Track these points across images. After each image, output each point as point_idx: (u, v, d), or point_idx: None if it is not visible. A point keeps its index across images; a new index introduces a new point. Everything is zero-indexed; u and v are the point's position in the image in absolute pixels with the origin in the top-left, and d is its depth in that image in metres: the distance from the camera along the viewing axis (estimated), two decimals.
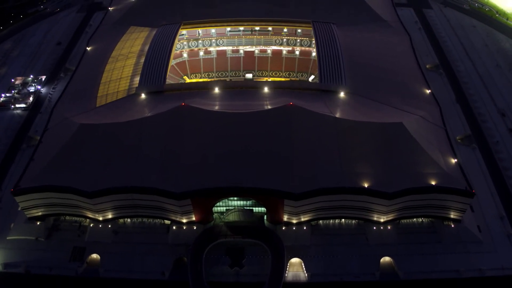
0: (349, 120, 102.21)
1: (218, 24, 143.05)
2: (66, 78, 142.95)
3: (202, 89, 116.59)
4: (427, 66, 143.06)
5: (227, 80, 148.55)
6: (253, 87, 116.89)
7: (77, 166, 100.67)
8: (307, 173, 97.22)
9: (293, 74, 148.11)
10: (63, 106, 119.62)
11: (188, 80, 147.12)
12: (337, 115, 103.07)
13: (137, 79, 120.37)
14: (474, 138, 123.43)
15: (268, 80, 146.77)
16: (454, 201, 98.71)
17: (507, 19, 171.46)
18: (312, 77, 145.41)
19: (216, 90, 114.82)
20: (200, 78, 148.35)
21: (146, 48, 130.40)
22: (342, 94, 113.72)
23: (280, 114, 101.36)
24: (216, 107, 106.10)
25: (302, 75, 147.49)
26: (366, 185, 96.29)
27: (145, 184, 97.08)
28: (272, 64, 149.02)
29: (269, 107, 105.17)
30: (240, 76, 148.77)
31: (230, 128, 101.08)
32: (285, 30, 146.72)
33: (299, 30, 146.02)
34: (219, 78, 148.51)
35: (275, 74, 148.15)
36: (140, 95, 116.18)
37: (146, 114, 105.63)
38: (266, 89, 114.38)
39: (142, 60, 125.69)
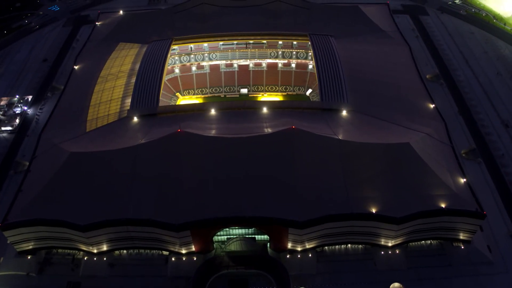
0: (353, 142, 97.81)
1: (211, 39, 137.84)
2: (53, 98, 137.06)
3: (198, 110, 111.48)
4: (427, 76, 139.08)
5: (222, 96, 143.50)
6: (250, 107, 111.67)
7: (68, 198, 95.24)
8: (312, 199, 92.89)
9: (289, 88, 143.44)
10: (51, 131, 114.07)
11: (181, 97, 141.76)
12: (341, 137, 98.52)
13: (128, 101, 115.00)
14: (479, 152, 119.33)
15: (264, 95, 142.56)
16: (464, 222, 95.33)
17: (505, 24, 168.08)
18: (310, 90, 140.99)
19: (213, 111, 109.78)
20: (194, 94, 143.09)
21: (137, 66, 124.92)
22: (344, 113, 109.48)
23: (281, 138, 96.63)
24: (214, 131, 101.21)
25: (299, 89, 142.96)
26: (373, 211, 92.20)
27: (141, 215, 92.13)
28: (267, 78, 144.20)
29: (269, 129, 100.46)
30: (235, 91, 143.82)
31: (230, 154, 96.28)
32: (280, 42, 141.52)
33: (295, 42, 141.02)
34: (213, 94, 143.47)
35: (271, 88, 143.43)
36: (132, 118, 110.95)
37: (139, 140, 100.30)
38: (265, 109, 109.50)
39: (133, 80, 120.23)
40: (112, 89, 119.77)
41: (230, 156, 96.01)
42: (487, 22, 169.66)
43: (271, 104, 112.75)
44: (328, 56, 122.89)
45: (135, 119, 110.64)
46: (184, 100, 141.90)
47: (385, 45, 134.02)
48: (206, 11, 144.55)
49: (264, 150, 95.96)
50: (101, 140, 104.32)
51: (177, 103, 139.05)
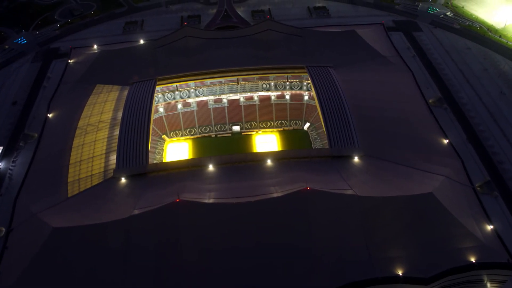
0: (373, 197, 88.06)
1: (199, 76, 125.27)
2: (27, 148, 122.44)
3: (193, 167, 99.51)
4: (430, 101, 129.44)
5: (212, 136, 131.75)
6: (253, 160, 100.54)
7: (54, 282, 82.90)
8: (331, 266, 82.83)
9: (285, 123, 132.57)
10: (27, 196, 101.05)
11: (167, 140, 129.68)
12: (359, 192, 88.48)
13: (113, 158, 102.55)
14: (494, 184, 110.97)
15: (259, 132, 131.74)
16: (494, 274, 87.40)
17: (500, 37, 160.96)
18: (307, 124, 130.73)
19: (210, 167, 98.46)
20: (181, 135, 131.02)
21: (119, 115, 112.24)
22: (356, 159, 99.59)
23: (295, 201, 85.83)
24: (215, 194, 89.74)
25: (296, 123, 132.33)
26: (400, 273, 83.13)
27: None
28: (261, 113, 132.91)
29: (278, 187, 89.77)
30: (226, 130, 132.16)
31: (237, 222, 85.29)
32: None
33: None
34: (203, 134, 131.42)
35: (266, 124, 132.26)
36: (119, 179, 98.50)
37: (132, 209, 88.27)
38: (269, 162, 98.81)
39: (116, 132, 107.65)
40: (93, 144, 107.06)
41: (237, 225, 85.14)
42: (482, 35, 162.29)
43: (276, 155, 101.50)
44: (331, 93, 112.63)
45: (123, 180, 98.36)
46: (172, 143, 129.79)
47: (388, 73, 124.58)
48: (190, 45, 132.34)
49: (276, 215, 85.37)
50: (87, 209, 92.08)
51: (164, 147, 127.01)
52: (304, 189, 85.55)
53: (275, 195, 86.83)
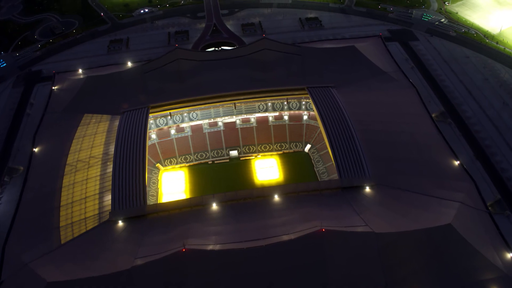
0: (390, 233, 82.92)
1: (194, 103, 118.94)
2: (12, 184, 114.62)
3: (195, 206, 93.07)
4: (433, 115, 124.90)
5: (209, 162, 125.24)
6: (259, 196, 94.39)
7: None
8: None
9: (285, 146, 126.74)
10: (17, 243, 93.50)
11: (162, 169, 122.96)
12: (374, 228, 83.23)
13: (107, 198, 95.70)
14: (505, 202, 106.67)
15: (258, 156, 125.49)
16: None
17: (497, 43, 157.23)
18: (308, 146, 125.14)
19: (214, 206, 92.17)
20: (177, 163, 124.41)
21: (111, 149, 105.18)
22: (367, 189, 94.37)
23: (310, 244, 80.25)
24: (222, 237, 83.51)
25: (296, 145, 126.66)
26: None
27: None
28: (259, 136, 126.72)
29: (289, 227, 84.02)
30: (223, 155, 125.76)
31: (249, 269, 79.59)
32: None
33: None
34: (199, 161, 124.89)
35: (264, 148, 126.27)
36: (116, 222, 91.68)
37: (133, 259, 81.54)
38: (276, 197, 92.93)
39: (110, 168, 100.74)
40: (85, 183, 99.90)
41: (249, 272, 79.40)
42: (479, 43, 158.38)
43: (283, 189, 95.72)
44: (337, 118, 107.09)
45: (120, 223, 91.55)
46: (167, 171, 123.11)
47: (391, 91, 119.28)
48: (183, 68, 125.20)
49: (290, 260, 79.81)
50: (83, 258, 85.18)
51: (159, 177, 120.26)
52: (319, 231, 79.76)
53: (287, 237, 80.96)
